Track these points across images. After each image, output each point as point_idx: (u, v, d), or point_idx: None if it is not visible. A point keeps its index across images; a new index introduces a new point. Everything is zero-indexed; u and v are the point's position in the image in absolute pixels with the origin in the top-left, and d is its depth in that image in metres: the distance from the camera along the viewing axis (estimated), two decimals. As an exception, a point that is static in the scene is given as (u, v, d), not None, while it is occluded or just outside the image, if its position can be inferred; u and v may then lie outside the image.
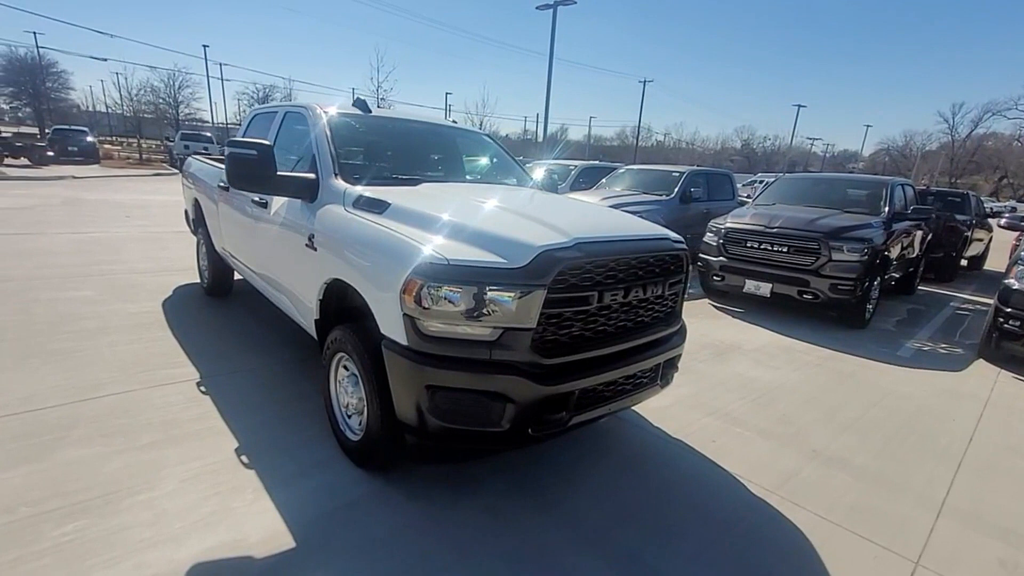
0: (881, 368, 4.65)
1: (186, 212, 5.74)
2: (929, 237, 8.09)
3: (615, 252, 2.26)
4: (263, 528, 2.12)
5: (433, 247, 2.09)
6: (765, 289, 5.89)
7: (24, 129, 38.27)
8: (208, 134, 29.53)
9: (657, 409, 3.39)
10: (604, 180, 9.59)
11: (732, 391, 3.87)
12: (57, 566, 1.86)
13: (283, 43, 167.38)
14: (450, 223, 2.29)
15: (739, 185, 11.02)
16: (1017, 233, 8.74)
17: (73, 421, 2.77)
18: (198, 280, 5.57)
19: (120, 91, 45.46)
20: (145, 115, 44.87)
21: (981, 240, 11.05)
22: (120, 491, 2.26)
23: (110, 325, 4.18)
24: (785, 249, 5.81)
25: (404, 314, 2.05)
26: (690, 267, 2.68)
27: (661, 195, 8.21)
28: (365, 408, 2.40)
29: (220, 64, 44.93)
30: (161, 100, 45.11)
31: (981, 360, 5.09)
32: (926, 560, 2.25)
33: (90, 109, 57.27)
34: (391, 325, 2.14)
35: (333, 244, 2.61)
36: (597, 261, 2.17)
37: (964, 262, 10.41)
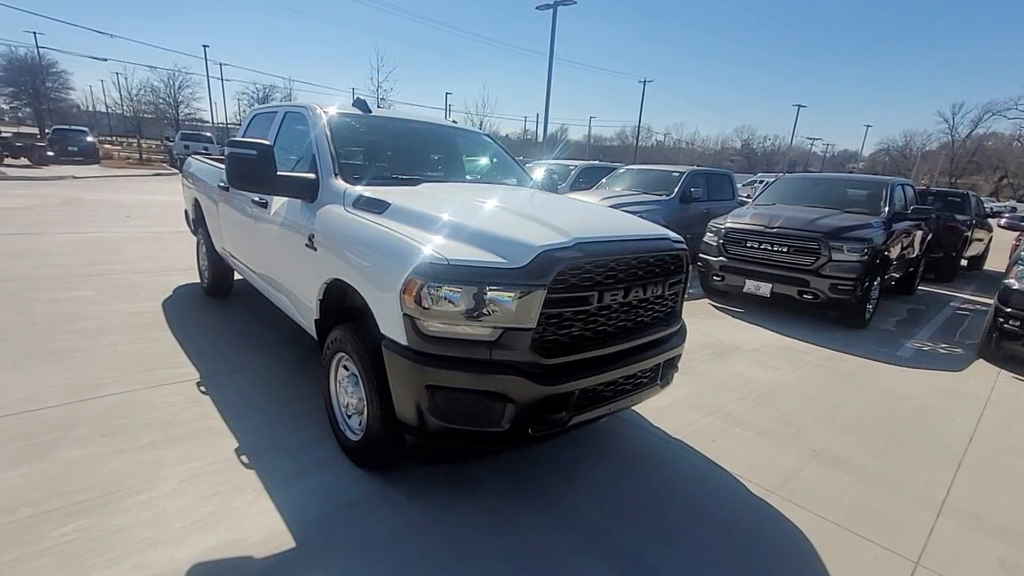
0: (881, 368, 4.65)
1: (186, 212, 5.74)
2: (929, 237, 8.09)
3: (615, 252, 2.26)
4: (263, 528, 2.12)
5: (433, 247, 2.09)
6: (765, 289, 5.89)
7: (24, 129, 38.26)
8: (208, 134, 29.52)
9: (657, 409, 3.39)
10: (604, 180, 9.59)
11: (732, 391, 3.87)
12: (57, 566, 1.86)
13: (283, 43, 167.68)
14: (450, 223, 2.29)
15: (739, 185, 11.02)
16: (1017, 233, 8.76)
17: (73, 421, 2.77)
18: (198, 280, 5.57)
19: (120, 91, 45.66)
20: (145, 115, 44.95)
21: (981, 240, 11.05)
22: (120, 491, 2.26)
23: (110, 325, 4.18)
24: (785, 249, 5.81)
25: (404, 314, 2.05)
26: (690, 267, 2.68)
27: (661, 195, 8.22)
28: (365, 408, 2.40)
29: (220, 64, 45.06)
30: (161, 100, 45.24)
31: (981, 360, 5.09)
32: (926, 560, 2.25)
33: (90, 109, 57.31)
34: (391, 325, 2.14)
35: (333, 244, 2.61)
36: (597, 261, 2.17)
37: (964, 262, 10.41)
